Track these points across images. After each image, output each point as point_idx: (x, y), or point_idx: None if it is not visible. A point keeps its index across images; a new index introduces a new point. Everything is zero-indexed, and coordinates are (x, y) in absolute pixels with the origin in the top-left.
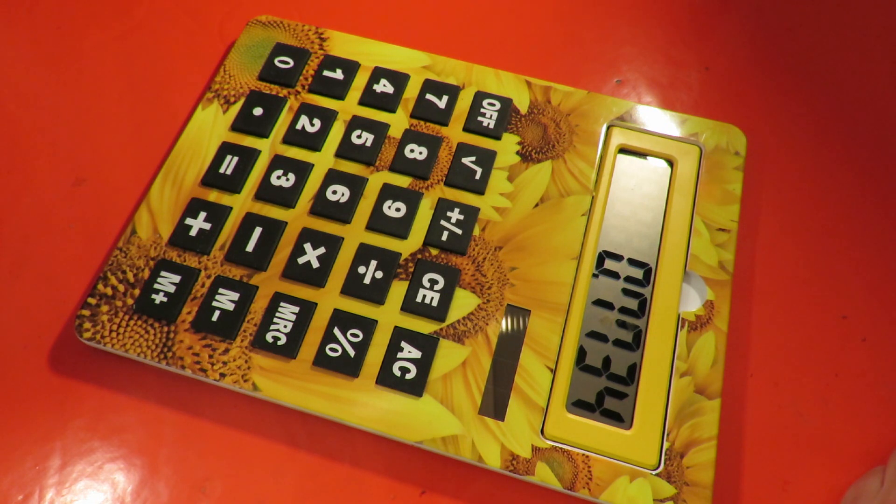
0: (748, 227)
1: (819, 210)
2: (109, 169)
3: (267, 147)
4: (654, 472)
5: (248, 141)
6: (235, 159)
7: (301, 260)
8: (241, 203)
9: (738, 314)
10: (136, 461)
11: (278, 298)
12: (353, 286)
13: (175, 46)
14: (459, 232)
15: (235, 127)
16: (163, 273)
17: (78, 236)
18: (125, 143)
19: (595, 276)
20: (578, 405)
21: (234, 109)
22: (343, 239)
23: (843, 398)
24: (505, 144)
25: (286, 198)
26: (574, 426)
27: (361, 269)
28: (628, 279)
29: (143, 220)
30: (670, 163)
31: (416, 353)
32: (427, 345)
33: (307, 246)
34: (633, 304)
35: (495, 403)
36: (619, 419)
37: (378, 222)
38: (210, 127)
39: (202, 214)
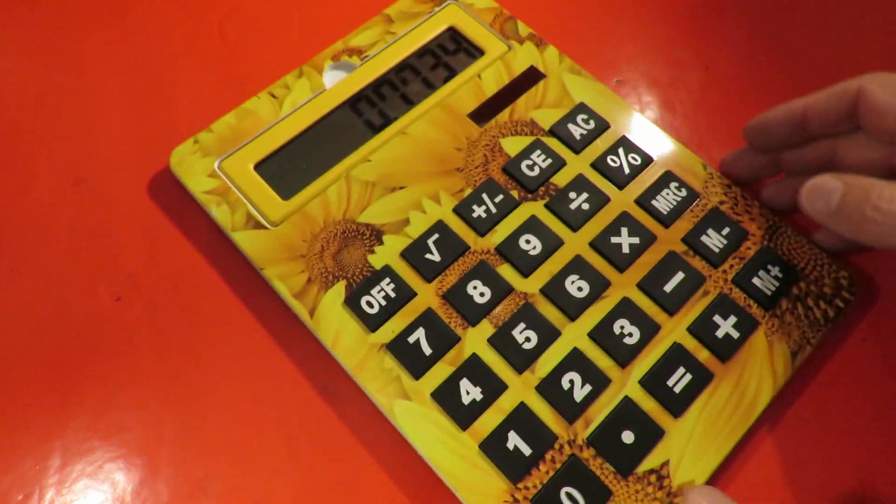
0: None
1: None
2: (109, 169)
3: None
4: None
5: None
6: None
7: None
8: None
9: None
10: (136, 461)
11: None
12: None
13: (175, 46)
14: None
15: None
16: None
17: (78, 236)
18: (125, 143)
19: None
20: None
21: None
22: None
23: (844, 397)
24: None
25: None
26: None
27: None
28: None
29: None
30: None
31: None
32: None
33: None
34: None
35: None
36: None
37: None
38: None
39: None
